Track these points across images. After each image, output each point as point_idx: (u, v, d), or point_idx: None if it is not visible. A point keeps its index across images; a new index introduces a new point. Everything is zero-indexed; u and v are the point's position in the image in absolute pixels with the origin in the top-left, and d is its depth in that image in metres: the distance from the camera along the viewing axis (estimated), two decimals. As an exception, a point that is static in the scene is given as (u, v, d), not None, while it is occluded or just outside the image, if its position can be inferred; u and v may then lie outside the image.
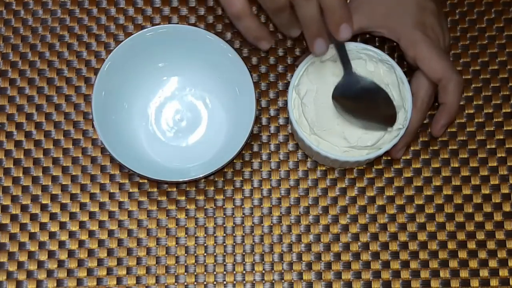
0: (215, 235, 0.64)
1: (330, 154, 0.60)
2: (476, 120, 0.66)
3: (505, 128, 0.66)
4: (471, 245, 0.63)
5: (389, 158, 0.65)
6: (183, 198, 0.64)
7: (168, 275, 0.63)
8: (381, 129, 0.60)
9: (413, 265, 0.63)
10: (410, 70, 0.63)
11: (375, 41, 0.67)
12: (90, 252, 0.63)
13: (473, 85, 0.67)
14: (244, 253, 0.63)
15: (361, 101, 0.59)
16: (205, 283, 0.63)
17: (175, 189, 0.65)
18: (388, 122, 0.59)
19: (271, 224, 0.64)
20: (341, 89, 0.59)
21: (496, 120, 0.66)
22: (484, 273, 0.63)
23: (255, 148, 0.66)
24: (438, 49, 0.60)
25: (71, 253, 0.63)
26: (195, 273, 0.63)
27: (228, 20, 0.68)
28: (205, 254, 0.63)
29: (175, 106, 0.66)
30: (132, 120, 0.65)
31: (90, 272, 0.63)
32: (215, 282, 0.63)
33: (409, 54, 0.61)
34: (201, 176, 0.60)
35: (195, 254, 0.63)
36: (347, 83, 0.59)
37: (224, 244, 0.64)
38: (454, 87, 0.60)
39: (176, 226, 0.64)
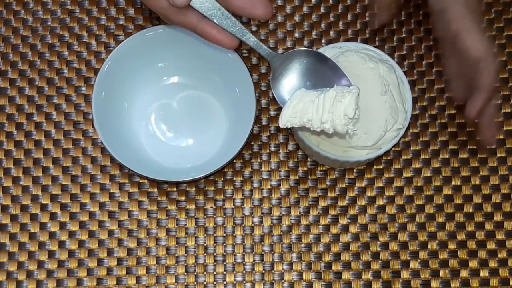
0: (215, 235, 0.64)
1: (330, 154, 0.60)
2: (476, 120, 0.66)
3: (505, 128, 0.66)
4: (471, 245, 0.63)
5: (389, 158, 0.65)
6: (183, 198, 0.64)
7: (168, 275, 0.63)
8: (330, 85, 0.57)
9: (413, 265, 0.63)
10: (410, 70, 0.63)
11: (375, 41, 0.67)
12: (90, 252, 0.63)
13: (473, 85, 0.67)
14: (244, 253, 0.63)
15: (305, 77, 0.58)
16: (205, 283, 0.63)
17: (175, 189, 0.65)
18: (336, 80, 0.58)
19: (271, 224, 0.64)
20: (278, 81, 0.58)
21: (496, 120, 0.66)
22: (484, 273, 0.63)
23: (255, 148, 0.66)
24: (482, 29, 0.57)
25: (71, 253, 0.63)
26: (195, 273, 0.63)
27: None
28: (205, 254, 0.63)
29: (175, 106, 0.66)
30: (132, 120, 0.65)
31: (90, 272, 0.63)
32: (215, 282, 0.63)
33: (451, 27, 0.57)
34: (201, 176, 0.60)
35: (195, 254, 0.63)
36: (279, 71, 0.58)
37: (224, 244, 0.64)
38: (492, 69, 0.56)
39: (176, 226, 0.64)
